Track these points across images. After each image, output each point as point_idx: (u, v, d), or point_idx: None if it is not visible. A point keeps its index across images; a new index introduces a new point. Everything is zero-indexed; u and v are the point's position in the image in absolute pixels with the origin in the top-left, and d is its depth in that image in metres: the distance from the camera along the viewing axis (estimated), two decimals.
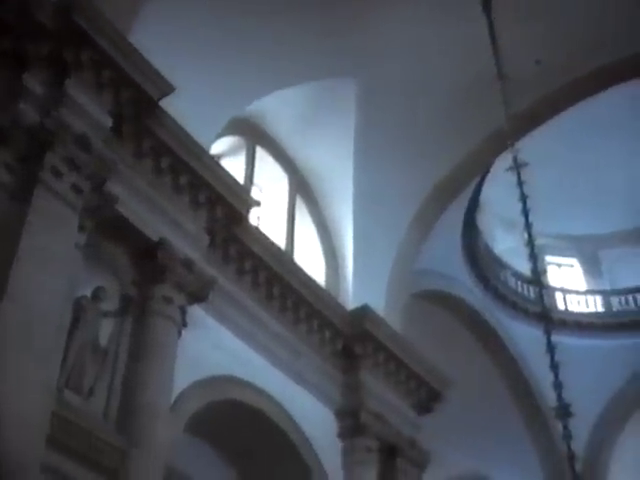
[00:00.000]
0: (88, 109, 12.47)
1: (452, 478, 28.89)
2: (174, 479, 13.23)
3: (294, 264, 17.94)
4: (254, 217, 18.08)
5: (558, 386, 9.83)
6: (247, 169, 19.06)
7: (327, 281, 19.47)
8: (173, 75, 13.54)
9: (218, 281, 14.94)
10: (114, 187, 12.90)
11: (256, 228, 17.17)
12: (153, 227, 13.67)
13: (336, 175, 20.32)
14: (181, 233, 14.19)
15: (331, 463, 16.83)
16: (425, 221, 21.40)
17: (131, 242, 13.41)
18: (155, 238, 13.59)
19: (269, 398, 15.93)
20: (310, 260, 19.48)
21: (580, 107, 22.17)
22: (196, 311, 14.37)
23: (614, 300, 29.56)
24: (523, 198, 11.13)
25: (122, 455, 11.71)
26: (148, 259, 13.49)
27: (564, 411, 9.72)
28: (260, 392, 15.78)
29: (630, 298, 29.45)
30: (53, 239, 11.30)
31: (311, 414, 16.88)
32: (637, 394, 27.72)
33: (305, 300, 17.34)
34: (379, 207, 20.26)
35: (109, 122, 12.88)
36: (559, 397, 9.80)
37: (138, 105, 13.33)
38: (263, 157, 19.90)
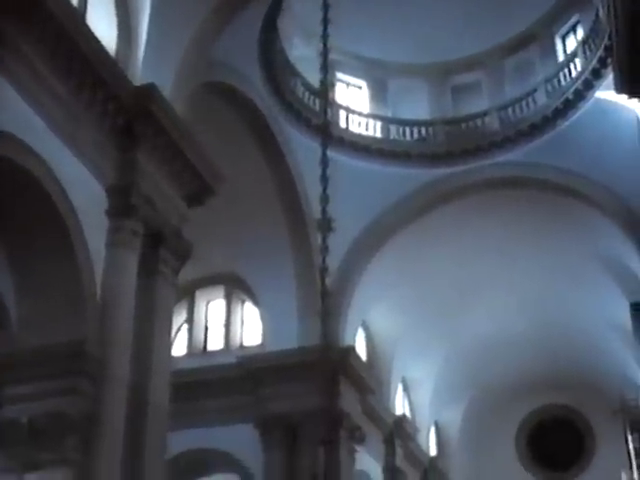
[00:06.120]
0: None
1: (208, 275, 29.32)
2: None
3: (85, 25, 16.56)
4: None
5: (324, 200, 10.01)
6: None
7: (117, 52, 18.15)
8: None
9: (5, 31, 13.67)
10: None
11: None
12: None
13: None
14: None
15: (95, 240, 16.25)
16: (227, 9, 20.45)
17: None
18: None
19: (42, 162, 15.05)
20: (103, 27, 17.99)
21: None
22: None
23: (393, 128, 29.85)
24: (325, 7, 10.88)
25: None
26: None
27: (326, 225, 9.89)
28: (34, 154, 14.86)
29: (407, 130, 29.89)
30: None
31: (82, 186, 16.11)
32: (395, 221, 28.84)
33: (92, 66, 16.13)
34: None
35: None
36: (324, 211, 10.05)
37: None
38: None
